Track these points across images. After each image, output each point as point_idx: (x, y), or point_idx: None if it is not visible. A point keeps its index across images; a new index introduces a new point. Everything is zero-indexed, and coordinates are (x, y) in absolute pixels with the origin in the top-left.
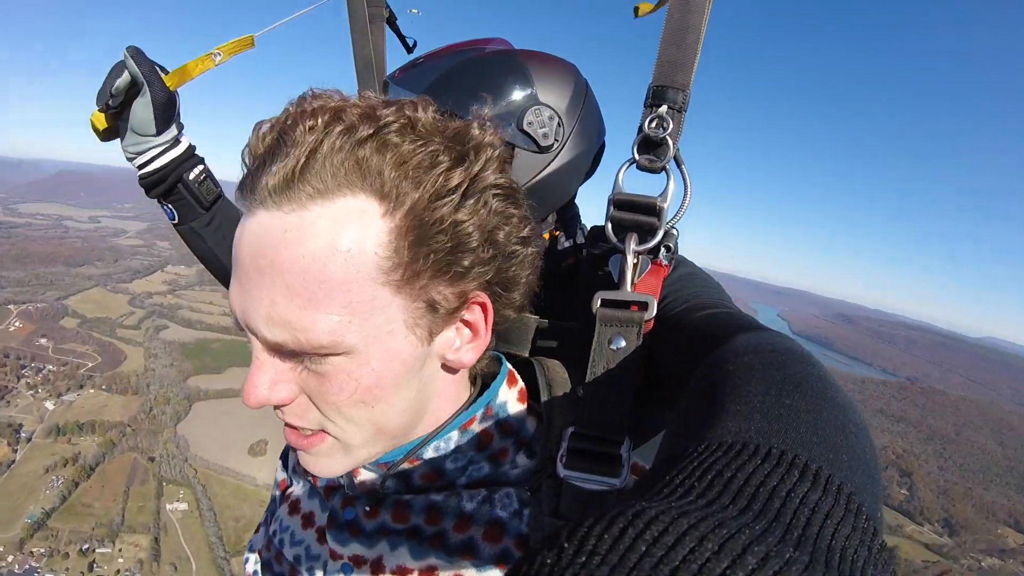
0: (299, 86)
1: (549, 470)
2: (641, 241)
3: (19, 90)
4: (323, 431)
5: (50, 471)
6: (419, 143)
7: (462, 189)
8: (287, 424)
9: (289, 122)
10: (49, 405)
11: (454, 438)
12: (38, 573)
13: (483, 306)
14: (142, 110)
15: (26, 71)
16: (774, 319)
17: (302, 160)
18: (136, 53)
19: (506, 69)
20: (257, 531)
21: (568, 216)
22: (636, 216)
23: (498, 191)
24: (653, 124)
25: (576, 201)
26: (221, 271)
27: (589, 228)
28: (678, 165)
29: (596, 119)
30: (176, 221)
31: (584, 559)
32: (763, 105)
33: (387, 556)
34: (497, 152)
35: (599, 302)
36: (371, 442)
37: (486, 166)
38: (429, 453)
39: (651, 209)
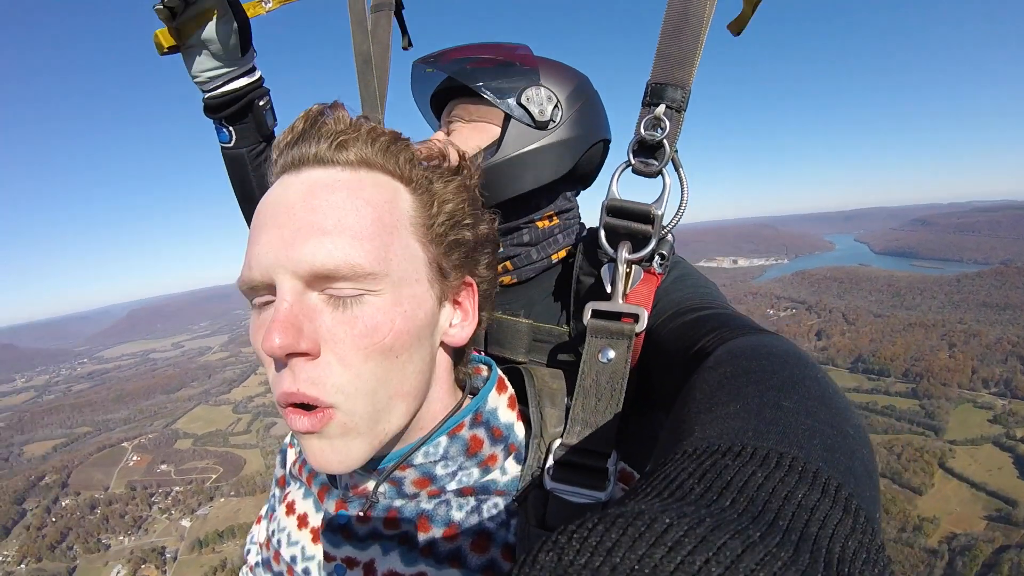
0: (290, 94)
1: (537, 481)
2: (634, 249)
3: (74, 249)
4: (332, 407)
5: None
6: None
7: (461, 182)
8: (294, 405)
9: (324, 113)
10: (185, 523)
11: (443, 443)
12: None
13: (470, 287)
14: (226, 35)
15: (78, 229)
16: (852, 245)
17: (351, 134)
18: None
19: (516, 59)
20: (259, 522)
21: (565, 208)
22: (630, 224)
23: (477, 193)
24: (649, 126)
25: (576, 199)
26: (250, 205)
27: (587, 228)
28: (675, 168)
29: (598, 116)
30: (231, 144)
31: (585, 559)
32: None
33: (379, 560)
34: (476, 169)
35: (590, 313)
36: (386, 411)
37: (471, 172)
38: (419, 459)
39: (645, 217)
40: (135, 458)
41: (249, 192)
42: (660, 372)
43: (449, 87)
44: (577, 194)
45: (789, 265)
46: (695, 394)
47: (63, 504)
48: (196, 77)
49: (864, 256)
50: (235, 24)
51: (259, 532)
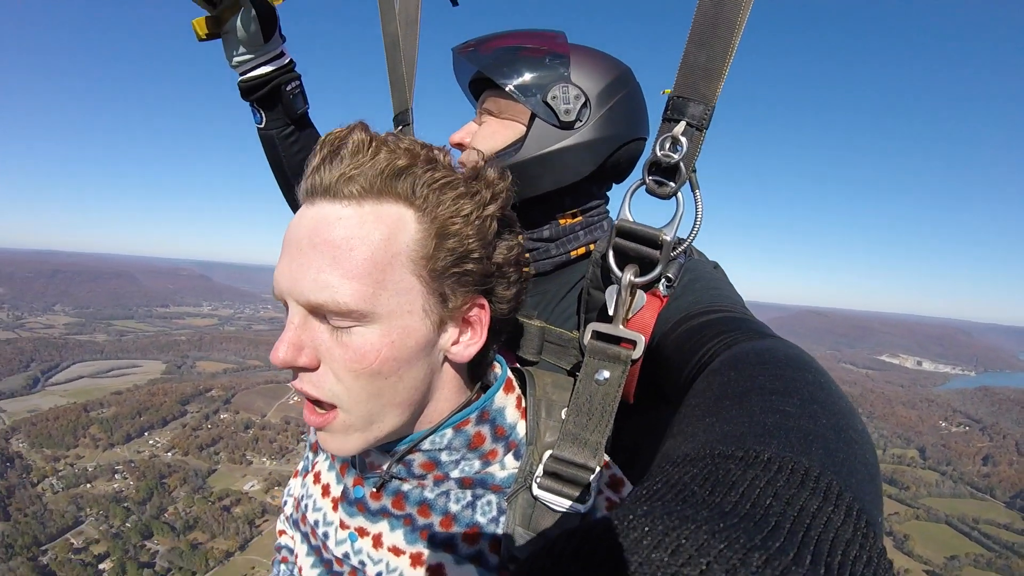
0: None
1: (527, 485)
2: (642, 272)
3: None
4: (335, 408)
5: None
6: (443, 174)
7: (472, 213)
8: (307, 401)
9: (343, 139)
10: None
11: (448, 435)
12: None
13: (482, 307)
14: (248, 23)
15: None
16: None
17: (361, 166)
18: None
19: (549, 50)
20: (295, 476)
21: (591, 206)
22: (638, 247)
23: (500, 220)
24: (666, 146)
25: (606, 193)
26: (284, 181)
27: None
28: (692, 189)
29: (633, 113)
30: (262, 125)
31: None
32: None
33: (385, 534)
34: (502, 189)
35: (590, 334)
36: (380, 416)
37: (493, 199)
38: (426, 445)
39: (653, 242)
40: (296, 399)
41: (281, 170)
42: (668, 375)
43: (484, 76)
44: (609, 188)
45: (975, 378)
46: (699, 398)
47: (221, 417)
48: (230, 62)
49: None
50: (253, 12)
51: (296, 486)
